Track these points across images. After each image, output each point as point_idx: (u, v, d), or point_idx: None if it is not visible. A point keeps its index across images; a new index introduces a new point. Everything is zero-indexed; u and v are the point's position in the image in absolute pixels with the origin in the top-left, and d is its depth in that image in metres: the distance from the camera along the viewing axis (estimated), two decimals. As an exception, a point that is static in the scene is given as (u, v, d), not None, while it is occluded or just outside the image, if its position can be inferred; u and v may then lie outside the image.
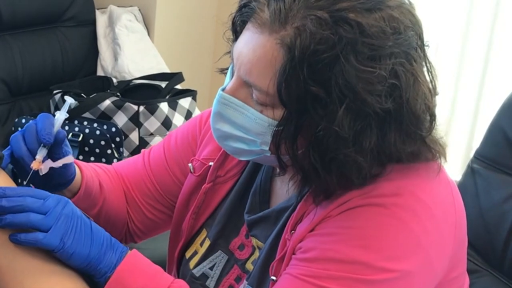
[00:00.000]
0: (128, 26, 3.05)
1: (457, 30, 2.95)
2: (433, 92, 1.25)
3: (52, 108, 2.78)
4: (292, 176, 1.29)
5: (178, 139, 1.54)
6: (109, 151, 2.56)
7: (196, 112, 2.87)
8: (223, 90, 1.27)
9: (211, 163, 1.45)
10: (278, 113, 1.21)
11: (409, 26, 1.20)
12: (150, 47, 3.10)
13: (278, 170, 1.32)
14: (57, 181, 1.35)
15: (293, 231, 1.27)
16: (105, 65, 3.04)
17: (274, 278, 1.28)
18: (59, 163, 1.30)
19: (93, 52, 3.07)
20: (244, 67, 1.22)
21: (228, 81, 1.28)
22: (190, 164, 1.48)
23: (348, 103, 1.16)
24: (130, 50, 3.01)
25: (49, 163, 1.29)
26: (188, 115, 2.77)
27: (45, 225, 1.20)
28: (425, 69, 1.25)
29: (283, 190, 1.36)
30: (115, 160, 2.56)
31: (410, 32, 1.20)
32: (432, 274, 1.24)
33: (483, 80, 2.93)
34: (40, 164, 1.28)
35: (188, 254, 1.49)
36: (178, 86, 2.89)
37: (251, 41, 1.21)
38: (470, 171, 1.82)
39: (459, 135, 2.99)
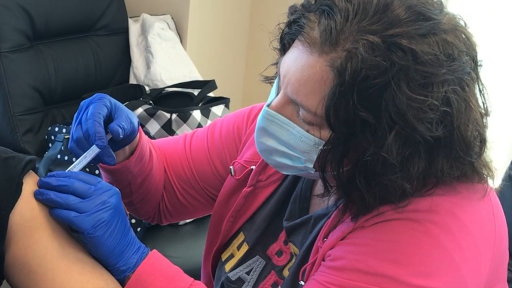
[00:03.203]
0: (161, 34, 3.06)
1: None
2: (484, 116, 1.23)
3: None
4: (333, 192, 1.28)
5: (223, 131, 1.53)
6: (141, 159, 2.55)
7: (229, 120, 2.86)
8: (268, 106, 1.26)
9: (252, 167, 1.45)
10: (325, 134, 1.20)
11: (463, 51, 1.18)
12: (183, 55, 3.10)
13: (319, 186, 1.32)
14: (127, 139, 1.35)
15: (325, 239, 1.27)
16: (138, 73, 3.04)
17: (302, 283, 1.28)
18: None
19: (126, 60, 3.07)
20: (292, 86, 1.20)
21: (274, 97, 1.26)
22: (231, 167, 1.47)
23: (398, 130, 1.14)
24: (163, 58, 3.01)
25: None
26: (220, 123, 2.76)
27: (81, 209, 1.22)
28: (477, 90, 1.22)
29: (323, 198, 1.35)
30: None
31: (465, 58, 1.17)
32: None
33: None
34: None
35: (224, 257, 1.49)
36: (211, 94, 2.88)
37: (300, 60, 1.19)
38: (508, 178, 1.79)
39: (498, 141, 2.94)
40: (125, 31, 3.08)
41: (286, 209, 1.41)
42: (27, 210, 1.23)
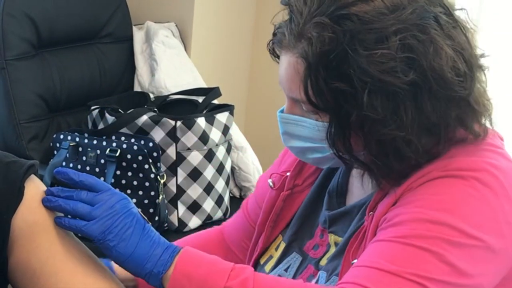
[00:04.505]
0: (165, 42, 3.06)
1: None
2: (462, 51, 1.28)
3: (90, 124, 2.80)
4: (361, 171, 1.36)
5: (264, 176, 1.61)
6: (146, 166, 2.56)
7: (234, 127, 2.87)
8: (281, 112, 1.38)
9: (288, 173, 1.51)
10: (327, 117, 1.30)
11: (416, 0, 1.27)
12: (187, 62, 3.10)
13: (357, 170, 1.40)
14: None
15: (371, 213, 1.32)
16: (142, 80, 3.05)
17: (355, 261, 1.30)
18: None
19: (130, 68, 3.08)
20: (285, 87, 1.34)
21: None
22: (269, 180, 1.53)
23: (370, 88, 1.24)
24: (167, 65, 3.02)
25: None
26: (225, 130, 2.77)
27: (90, 216, 1.24)
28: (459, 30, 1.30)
29: (360, 189, 1.41)
30: (152, 175, 2.57)
31: (418, 4, 1.26)
32: (506, 259, 1.27)
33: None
34: None
35: (262, 260, 1.52)
36: (215, 101, 2.89)
37: (282, 63, 1.34)
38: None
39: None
40: (130, 39, 3.09)
41: (321, 204, 1.46)
42: (29, 214, 1.24)
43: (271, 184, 1.52)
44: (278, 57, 1.37)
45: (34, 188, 1.26)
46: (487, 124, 1.34)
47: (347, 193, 1.45)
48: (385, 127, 1.25)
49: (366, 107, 1.24)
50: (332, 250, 1.41)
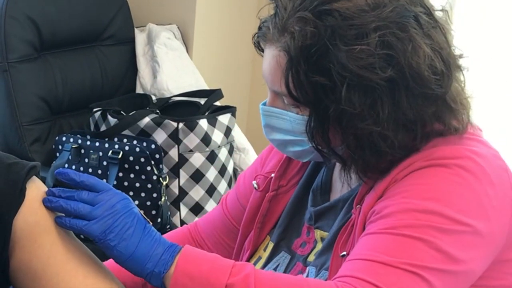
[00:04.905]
0: (167, 44, 3.07)
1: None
2: (440, 50, 1.31)
3: (92, 126, 2.80)
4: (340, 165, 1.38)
5: (246, 175, 1.61)
6: (148, 168, 2.57)
7: (236, 128, 2.87)
8: (264, 104, 1.40)
9: (273, 175, 1.52)
10: (307, 111, 1.33)
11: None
12: (189, 64, 3.11)
13: (335, 167, 1.43)
14: None
15: (359, 206, 1.33)
16: (144, 82, 3.05)
17: (344, 253, 1.32)
18: None
19: (132, 70, 3.09)
20: (267, 80, 1.37)
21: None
22: (254, 182, 1.54)
23: (348, 82, 1.27)
24: (169, 67, 3.02)
25: None
26: (227, 131, 2.77)
27: (91, 216, 1.24)
28: (438, 30, 1.33)
29: (343, 185, 1.42)
30: (154, 177, 2.57)
31: (398, 3, 1.29)
32: (494, 243, 1.29)
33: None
34: None
35: (251, 261, 1.52)
36: (217, 103, 2.89)
37: (266, 56, 1.37)
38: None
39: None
40: (132, 41, 3.10)
41: (306, 203, 1.47)
42: (30, 215, 1.24)
43: (255, 185, 1.53)
44: (262, 50, 1.40)
45: (36, 189, 1.27)
46: (465, 121, 1.36)
47: (331, 190, 1.46)
48: (362, 122, 1.28)
49: (344, 101, 1.27)
50: (319, 245, 1.42)
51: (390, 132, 1.29)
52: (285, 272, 1.45)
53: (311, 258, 1.42)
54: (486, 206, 1.27)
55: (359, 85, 1.27)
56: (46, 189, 1.29)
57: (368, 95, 1.27)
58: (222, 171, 2.76)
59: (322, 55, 1.28)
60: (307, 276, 1.39)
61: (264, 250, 1.51)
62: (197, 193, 2.69)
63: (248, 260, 1.52)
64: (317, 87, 1.29)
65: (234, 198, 1.61)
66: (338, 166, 1.44)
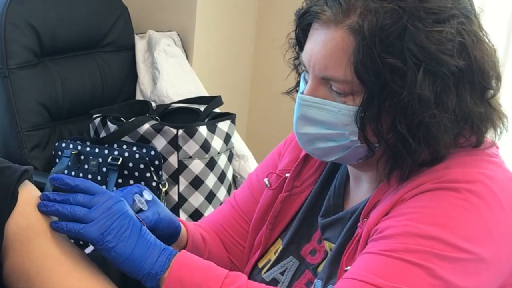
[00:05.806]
0: (167, 51, 3.07)
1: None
2: (495, 51, 1.31)
3: (92, 132, 2.80)
4: (379, 158, 1.33)
5: (259, 172, 1.59)
6: (148, 175, 2.57)
7: (235, 135, 2.87)
8: (302, 93, 1.33)
9: (287, 174, 1.49)
10: (358, 99, 1.27)
11: None
12: (189, 71, 3.11)
13: (353, 174, 1.40)
14: (165, 232, 1.40)
15: (365, 219, 1.31)
16: (144, 89, 3.05)
17: (348, 268, 1.29)
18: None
19: (132, 76, 3.09)
20: (319, 65, 1.29)
21: (304, 86, 1.34)
22: (265, 179, 1.52)
23: (425, 66, 1.23)
24: (169, 74, 3.03)
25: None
26: (227, 138, 2.77)
27: (88, 218, 1.24)
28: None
29: (357, 193, 1.40)
30: (153, 184, 2.57)
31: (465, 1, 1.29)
32: (500, 269, 1.25)
33: None
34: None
35: (261, 264, 1.51)
36: (217, 110, 2.89)
37: (320, 39, 1.28)
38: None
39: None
40: (132, 48, 3.10)
41: (321, 208, 1.45)
42: (23, 219, 1.25)
43: (267, 183, 1.52)
44: (301, 41, 1.35)
45: (28, 193, 1.27)
46: (491, 133, 1.34)
47: (345, 197, 1.44)
48: (430, 109, 1.24)
49: (419, 86, 1.23)
50: (328, 256, 1.40)
51: (452, 124, 1.26)
52: (292, 278, 1.44)
53: (320, 269, 1.41)
54: (494, 232, 1.23)
55: (433, 71, 1.24)
56: (39, 193, 1.29)
57: (438, 82, 1.24)
58: (222, 178, 2.76)
59: (399, 36, 1.23)
60: None
61: (275, 253, 1.50)
62: (196, 199, 2.69)
63: (258, 261, 1.52)
64: (387, 70, 1.24)
65: (247, 194, 1.59)
66: (353, 174, 1.42)
